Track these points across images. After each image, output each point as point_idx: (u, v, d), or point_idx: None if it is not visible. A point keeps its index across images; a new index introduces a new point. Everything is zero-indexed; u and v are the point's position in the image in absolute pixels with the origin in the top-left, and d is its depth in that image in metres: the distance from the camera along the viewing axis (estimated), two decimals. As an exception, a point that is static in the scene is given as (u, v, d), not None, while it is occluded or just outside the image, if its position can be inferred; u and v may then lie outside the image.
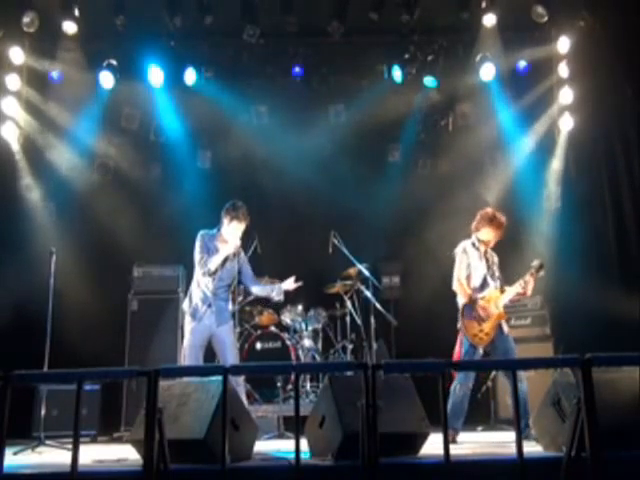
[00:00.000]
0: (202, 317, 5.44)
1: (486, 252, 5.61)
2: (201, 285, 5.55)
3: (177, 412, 3.81)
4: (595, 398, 2.93)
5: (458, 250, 5.61)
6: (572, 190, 7.56)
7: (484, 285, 5.50)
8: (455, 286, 5.55)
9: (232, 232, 5.58)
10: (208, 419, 3.64)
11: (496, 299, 5.43)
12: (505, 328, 5.44)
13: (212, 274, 5.50)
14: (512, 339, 5.49)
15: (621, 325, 6.25)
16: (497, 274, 5.60)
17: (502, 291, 5.49)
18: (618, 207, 7.21)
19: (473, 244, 5.59)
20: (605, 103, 7.26)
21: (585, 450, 2.94)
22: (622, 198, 7.18)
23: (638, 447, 3.37)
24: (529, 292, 5.49)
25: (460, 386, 5.25)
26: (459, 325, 5.46)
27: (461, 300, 5.51)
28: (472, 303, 5.42)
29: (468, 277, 5.51)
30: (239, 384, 5.34)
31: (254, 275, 5.86)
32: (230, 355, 5.44)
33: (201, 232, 5.66)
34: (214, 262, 5.48)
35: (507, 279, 5.65)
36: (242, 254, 5.77)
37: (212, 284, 5.51)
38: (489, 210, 5.62)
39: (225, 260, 5.55)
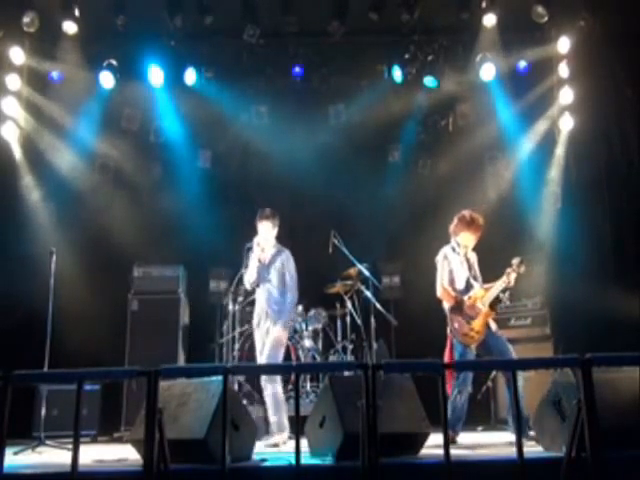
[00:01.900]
0: (260, 324, 5.65)
1: (466, 254, 5.59)
2: (256, 296, 5.81)
3: (177, 412, 3.81)
4: (595, 398, 2.93)
5: (439, 257, 5.60)
6: (572, 190, 7.55)
7: (468, 287, 5.48)
8: (439, 293, 5.54)
9: (260, 235, 5.72)
10: (208, 419, 3.64)
11: (482, 297, 5.41)
12: (493, 326, 5.40)
13: (253, 286, 5.73)
14: (504, 337, 5.43)
15: (621, 325, 6.25)
16: (478, 274, 5.58)
17: (486, 290, 5.46)
18: (618, 207, 7.21)
19: (453, 249, 5.58)
20: (605, 103, 7.27)
21: (585, 450, 2.94)
22: (622, 198, 7.18)
23: (638, 447, 3.37)
24: (512, 283, 5.42)
25: (460, 394, 5.22)
26: (449, 329, 5.43)
27: (447, 305, 5.50)
28: (459, 305, 5.41)
29: (452, 282, 5.49)
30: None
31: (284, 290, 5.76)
32: (262, 356, 5.56)
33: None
34: (248, 275, 5.69)
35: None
36: (277, 262, 5.73)
37: (262, 294, 5.70)
38: (466, 213, 5.54)
39: (261, 268, 5.68)
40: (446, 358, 5.39)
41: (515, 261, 5.42)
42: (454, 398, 5.20)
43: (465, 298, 5.43)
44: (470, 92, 7.96)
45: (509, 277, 5.37)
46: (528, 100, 7.81)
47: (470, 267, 5.55)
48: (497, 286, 5.43)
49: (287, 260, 5.73)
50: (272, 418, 5.44)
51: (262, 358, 5.51)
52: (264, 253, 5.69)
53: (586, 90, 7.42)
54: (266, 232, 5.71)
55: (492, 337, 5.34)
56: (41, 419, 5.62)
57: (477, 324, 5.32)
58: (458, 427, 5.20)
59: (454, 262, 5.52)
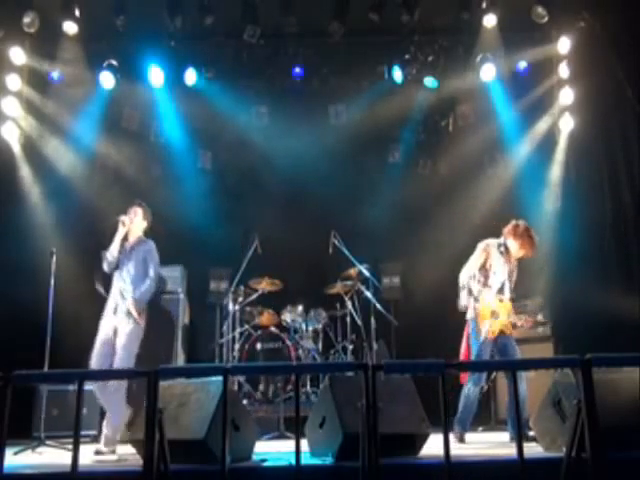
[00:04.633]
0: (112, 313, 5.22)
1: (510, 260, 5.46)
2: (113, 281, 5.34)
3: (177, 412, 3.81)
4: (595, 399, 2.93)
5: (481, 245, 5.44)
6: (572, 190, 7.55)
7: (502, 291, 5.39)
8: (463, 279, 5.37)
9: (128, 216, 5.42)
10: (208, 419, 3.64)
11: (509, 311, 5.35)
12: (507, 329, 5.36)
13: (112, 266, 5.28)
14: (514, 339, 5.39)
15: (621, 326, 6.25)
16: (511, 286, 5.47)
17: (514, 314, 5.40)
18: (618, 207, 7.21)
19: (499, 246, 5.43)
20: (605, 103, 7.26)
21: (585, 450, 2.93)
22: (622, 198, 7.18)
23: (638, 447, 3.37)
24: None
25: (474, 388, 5.24)
26: (470, 314, 5.33)
27: (476, 288, 5.34)
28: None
29: (486, 277, 5.37)
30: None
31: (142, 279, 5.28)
32: (105, 346, 5.10)
33: None
34: (109, 253, 5.26)
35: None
36: (140, 251, 5.32)
37: (119, 281, 5.29)
38: (521, 223, 5.46)
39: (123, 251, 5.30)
40: (462, 354, 5.38)
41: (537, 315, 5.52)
42: (467, 391, 5.24)
43: (497, 299, 5.35)
44: (470, 93, 7.96)
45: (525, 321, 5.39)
46: (528, 100, 7.81)
47: (509, 274, 5.43)
48: (519, 319, 5.40)
49: (151, 251, 5.35)
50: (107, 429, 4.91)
51: (104, 348, 5.01)
52: (128, 239, 5.33)
53: (586, 90, 7.41)
54: (135, 216, 5.39)
55: (504, 338, 5.32)
56: (41, 419, 5.62)
57: (495, 325, 5.27)
58: (467, 425, 5.27)
59: (495, 259, 5.38)
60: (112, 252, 5.23)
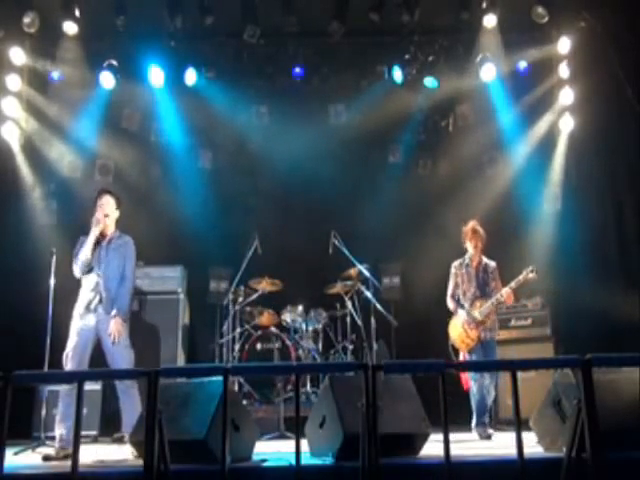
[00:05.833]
0: (88, 314, 4.93)
1: (479, 265, 5.84)
2: (84, 281, 5.03)
3: (177, 412, 3.80)
4: (595, 399, 2.93)
5: (451, 269, 5.96)
6: (572, 191, 7.56)
7: (474, 300, 5.78)
8: (449, 304, 5.95)
9: (101, 211, 5.07)
10: (208, 419, 3.64)
11: (479, 307, 5.70)
12: (483, 334, 5.69)
13: (85, 269, 4.94)
14: (494, 344, 5.75)
15: (621, 326, 6.26)
16: (491, 284, 5.78)
17: (484, 301, 5.72)
18: (618, 208, 7.21)
19: (461, 263, 5.90)
20: (605, 103, 7.26)
21: (585, 451, 2.93)
22: (623, 199, 7.18)
23: (638, 448, 3.37)
24: (508, 300, 5.71)
25: (474, 384, 5.55)
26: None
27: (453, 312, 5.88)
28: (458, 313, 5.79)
29: (457, 293, 5.87)
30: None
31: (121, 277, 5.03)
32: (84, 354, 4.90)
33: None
34: (82, 254, 4.92)
35: (507, 280, 5.75)
36: (119, 246, 5.08)
37: (94, 279, 4.98)
38: (463, 229, 5.90)
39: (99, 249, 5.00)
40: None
41: (526, 269, 5.64)
42: (471, 392, 5.58)
43: (467, 306, 5.76)
44: (470, 93, 7.97)
45: (507, 294, 5.63)
46: (528, 101, 7.81)
47: (482, 277, 5.80)
48: (493, 299, 5.68)
49: (130, 248, 5.11)
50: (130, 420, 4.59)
51: (79, 355, 4.78)
52: (105, 233, 5.03)
53: (586, 90, 7.41)
54: (108, 207, 5.05)
55: (486, 343, 5.71)
56: (41, 419, 5.63)
57: (473, 333, 5.67)
58: (486, 419, 5.52)
59: (460, 276, 5.86)
60: (86, 254, 4.89)
